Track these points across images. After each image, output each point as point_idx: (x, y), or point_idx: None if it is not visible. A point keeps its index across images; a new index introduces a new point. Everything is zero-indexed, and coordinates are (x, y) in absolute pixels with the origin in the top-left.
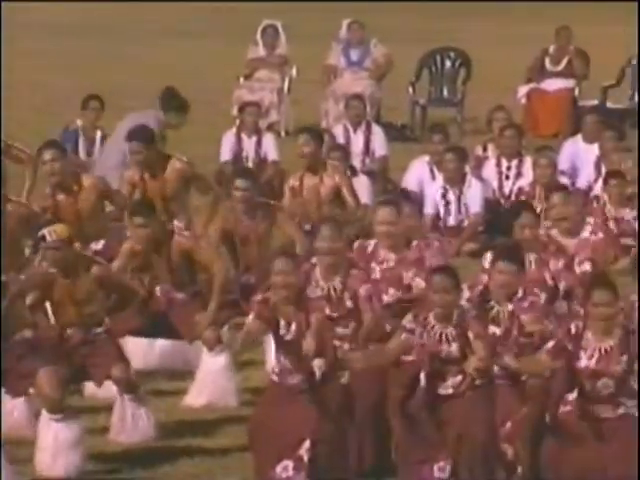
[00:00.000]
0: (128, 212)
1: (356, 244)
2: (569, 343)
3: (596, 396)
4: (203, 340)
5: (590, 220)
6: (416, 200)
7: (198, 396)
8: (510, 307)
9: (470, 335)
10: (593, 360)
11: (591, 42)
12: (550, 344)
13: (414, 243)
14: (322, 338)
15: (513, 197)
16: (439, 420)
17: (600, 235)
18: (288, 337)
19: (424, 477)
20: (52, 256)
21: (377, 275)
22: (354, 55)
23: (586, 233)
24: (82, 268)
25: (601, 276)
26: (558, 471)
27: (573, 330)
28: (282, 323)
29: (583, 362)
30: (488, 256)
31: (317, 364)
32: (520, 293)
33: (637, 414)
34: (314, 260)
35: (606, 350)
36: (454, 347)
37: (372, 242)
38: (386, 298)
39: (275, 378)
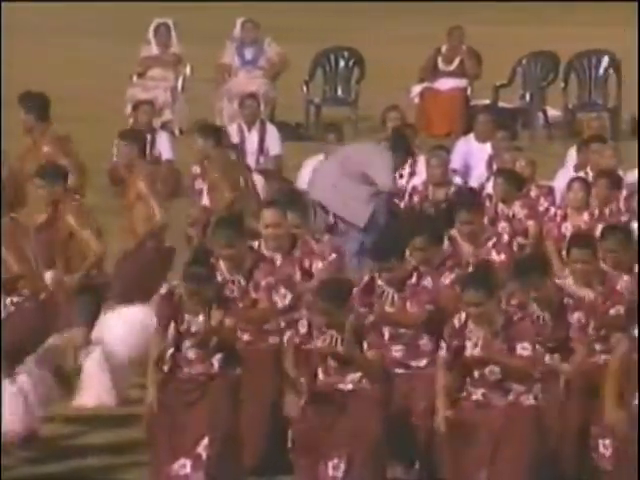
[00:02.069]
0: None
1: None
2: (455, 338)
3: (485, 383)
4: (71, 339)
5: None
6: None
7: (84, 396)
8: None
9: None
10: (478, 348)
11: (483, 42)
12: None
13: (299, 243)
14: (228, 329)
15: (407, 196)
16: (336, 416)
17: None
18: (194, 329)
19: (318, 475)
20: None
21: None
22: (248, 54)
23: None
24: None
25: (474, 275)
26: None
27: (456, 324)
28: (187, 317)
29: (469, 351)
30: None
31: (217, 356)
32: None
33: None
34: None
35: (491, 336)
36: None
37: (255, 243)
38: (277, 299)
39: (168, 369)
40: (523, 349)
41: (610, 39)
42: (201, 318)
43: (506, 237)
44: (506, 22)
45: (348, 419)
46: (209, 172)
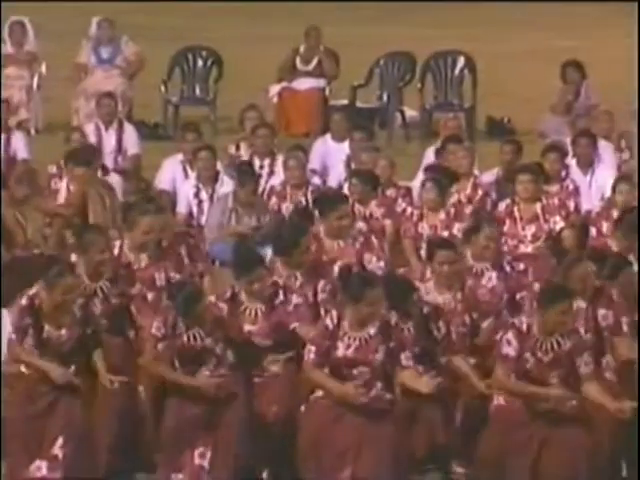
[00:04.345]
0: None
1: None
2: (327, 339)
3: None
4: None
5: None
6: (169, 199)
7: None
8: None
9: None
10: (351, 349)
11: (340, 42)
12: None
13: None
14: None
15: (266, 196)
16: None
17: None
18: (54, 339)
19: (183, 463)
20: None
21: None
22: (105, 53)
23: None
24: None
25: (350, 275)
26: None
27: (330, 325)
28: (47, 327)
29: (340, 351)
30: None
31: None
32: None
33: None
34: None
35: (366, 340)
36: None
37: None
38: (150, 297)
39: (26, 371)
40: (407, 359)
41: (465, 39)
42: (63, 331)
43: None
44: (363, 22)
45: (214, 410)
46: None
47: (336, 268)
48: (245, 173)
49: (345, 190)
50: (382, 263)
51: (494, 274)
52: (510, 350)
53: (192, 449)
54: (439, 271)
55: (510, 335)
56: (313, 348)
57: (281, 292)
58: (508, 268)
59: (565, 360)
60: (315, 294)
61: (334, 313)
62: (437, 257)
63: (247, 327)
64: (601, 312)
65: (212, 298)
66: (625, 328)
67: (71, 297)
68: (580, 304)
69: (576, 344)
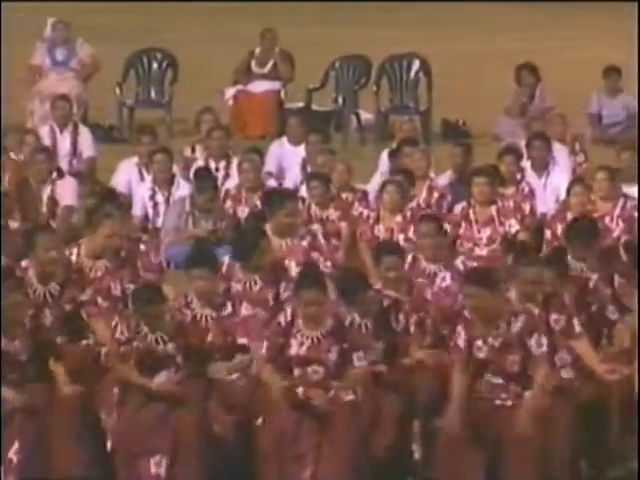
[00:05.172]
0: None
1: None
2: (280, 336)
3: (305, 381)
4: None
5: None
6: (126, 202)
7: None
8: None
9: None
10: (304, 348)
11: (296, 44)
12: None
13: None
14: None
15: (221, 200)
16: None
17: (307, 239)
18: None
19: (140, 472)
20: None
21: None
22: (59, 55)
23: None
24: None
25: (308, 275)
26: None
27: (282, 322)
28: (2, 339)
29: (294, 350)
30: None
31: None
32: None
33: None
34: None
35: (319, 339)
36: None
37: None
38: (101, 301)
39: None
40: (358, 359)
41: (420, 41)
42: (17, 342)
43: (321, 237)
44: (318, 25)
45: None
46: None
47: (294, 267)
48: (203, 179)
49: (302, 193)
50: (329, 263)
51: (448, 274)
52: (460, 341)
53: (148, 457)
54: (385, 276)
55: (459, 327)
56: (266, 344)
57: (229, 303)
58: (461, 267)
59: (517, 342)
60: (277, 296)
61: (288, 311)
62: (383, 263)
63: (203, 334)
64: (553, 317)
65: (174, 304)
66: (577, 329)
67: (22, 313)
68: (531, 308)
69: (524, 326)
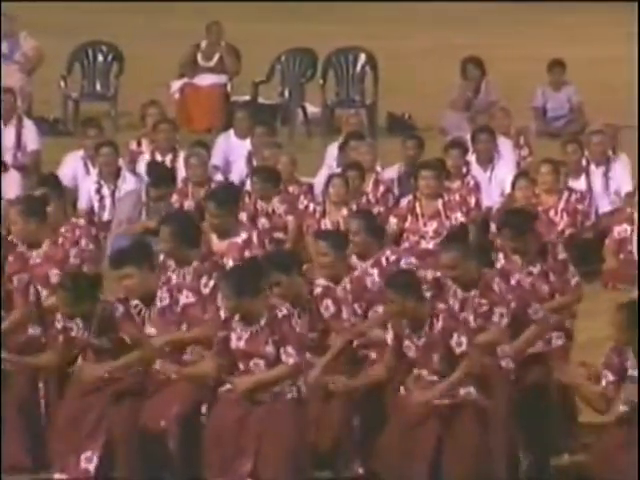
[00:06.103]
0: None
1: None
2: (220, 329)
3: (249, 375)
4: None
5: (242, 216)
6: (71, 195)
7: None
8: None
9: None
10: (242, 341)
11: (241, 38)
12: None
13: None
14: None
15: None
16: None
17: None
18: None
19: (69, 467)
20: None
21: None
22: (4, 48)
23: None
24: None
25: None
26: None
27: (222, 316)
28: None
29: (234, 343)
30: None
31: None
32: None
33: None
34: None
35: (256, 332)
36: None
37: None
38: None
39: None
40: (288, 355)
41: (366, 36)
42: None
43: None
44: (264, 18)
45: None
46: None
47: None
48: (158, 174)
49: (248, 186)
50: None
51: (376, 270)
52: (388, 337)
53: (78, 452)
54: (318, 262)
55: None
56: (216, 339)
57: (167, 294)
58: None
59: (440, 341)
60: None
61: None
62: (316, 248)
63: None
64: (478, 300)
65: (111, 298)
66: (496, 318)
67: None
68: (459, 292)
69: (445, 326)
